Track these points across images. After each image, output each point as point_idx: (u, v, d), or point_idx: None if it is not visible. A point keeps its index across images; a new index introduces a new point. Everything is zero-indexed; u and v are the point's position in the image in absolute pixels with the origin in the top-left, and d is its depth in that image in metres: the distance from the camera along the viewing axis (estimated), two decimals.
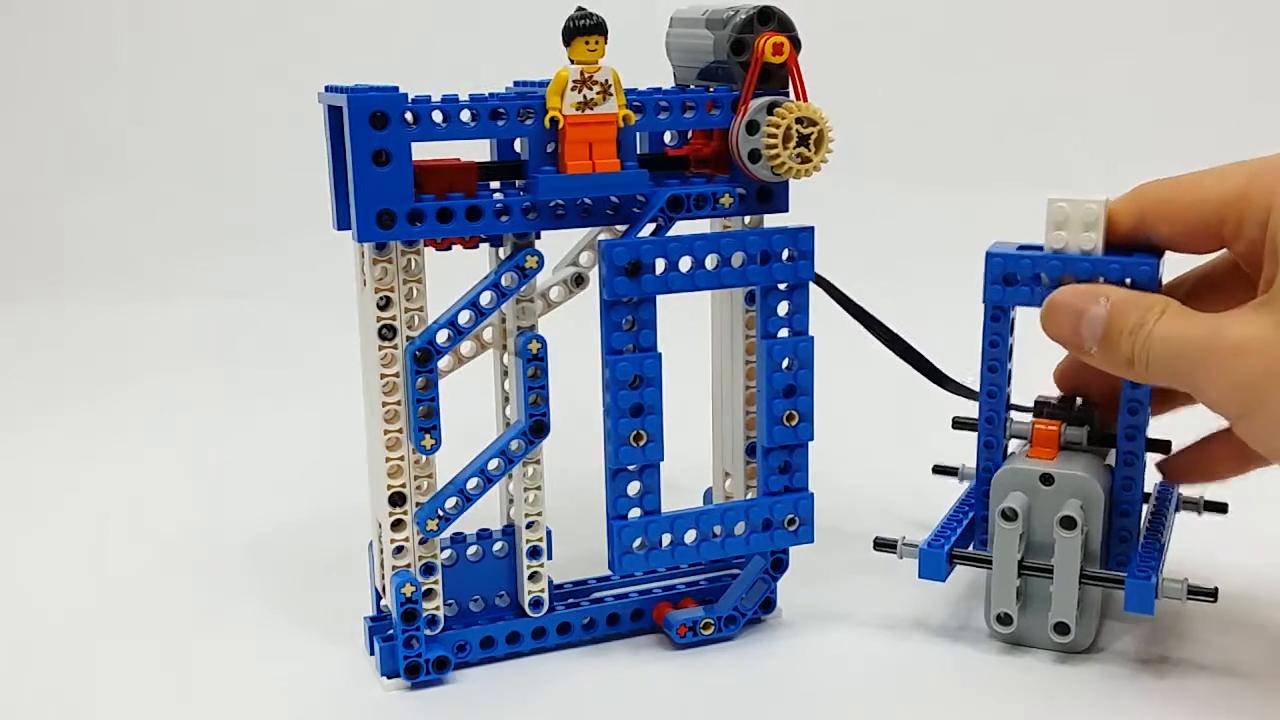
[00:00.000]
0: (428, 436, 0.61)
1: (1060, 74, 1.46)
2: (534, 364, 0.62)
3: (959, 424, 0.74)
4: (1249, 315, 0.56)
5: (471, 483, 0.62)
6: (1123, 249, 0.62)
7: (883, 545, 0.67)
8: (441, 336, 0.60)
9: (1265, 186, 0.58)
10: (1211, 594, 0.61)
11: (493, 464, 0.63)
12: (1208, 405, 0.58)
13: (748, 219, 0.65)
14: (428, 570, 0.63)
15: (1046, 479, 0.63)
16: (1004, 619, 0.64)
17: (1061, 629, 0.63)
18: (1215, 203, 0.60)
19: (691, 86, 0.64)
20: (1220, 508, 0.71)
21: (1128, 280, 0.60)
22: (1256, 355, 0.55)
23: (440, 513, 0.62)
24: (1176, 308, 0.58)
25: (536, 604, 0.65)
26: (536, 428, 0.63)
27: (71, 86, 1.54)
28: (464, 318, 0.61)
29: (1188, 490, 0.71)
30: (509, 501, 0.67)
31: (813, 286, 0.63)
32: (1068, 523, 0.61)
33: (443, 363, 0.64)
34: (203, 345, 1.28)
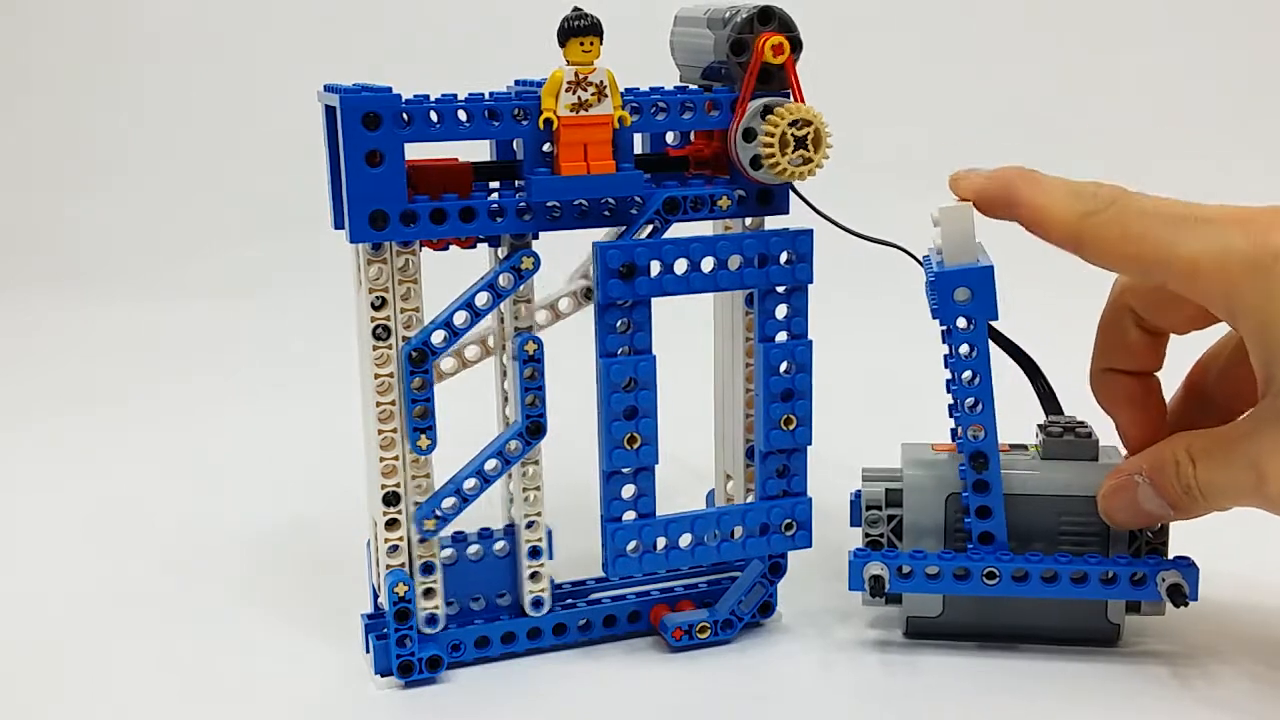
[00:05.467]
0: (423, 437, 0.61)
1: (1060, 74, 1.43)
2: (531, 365, 0.62)
3: None
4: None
5: (469, 483, 0.62)
6: None
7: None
8: (437, 337, 0.60)
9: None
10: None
11: (490, 464, 0.63)
12: None
13: (748, 221, 0.65)
14: (427, 569, 0.63)
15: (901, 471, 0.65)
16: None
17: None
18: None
19: (692, 87, 0.63)
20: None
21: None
22: None
23: (438, 512, 0.62)
24: (1197, 447, 0.58)
25: (537, 604, 0.65)
26: (534, 429, 0.63)
27: (71, 86, 1.55)
28: (460, 318, 0.61)
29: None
30: (509, 501, 0.67)
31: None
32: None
33: (446, 365, 0.65)
34: (203, 345, 1.28)
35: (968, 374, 0.61)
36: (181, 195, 1.50)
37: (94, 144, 1.54)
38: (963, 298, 0.60)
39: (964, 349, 0.61)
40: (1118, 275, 0.64)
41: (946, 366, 0.62)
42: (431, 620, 0.63)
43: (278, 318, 1.34)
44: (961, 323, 0.60)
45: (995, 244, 0.62)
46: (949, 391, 0.62)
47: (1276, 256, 0.54)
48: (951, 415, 0.63)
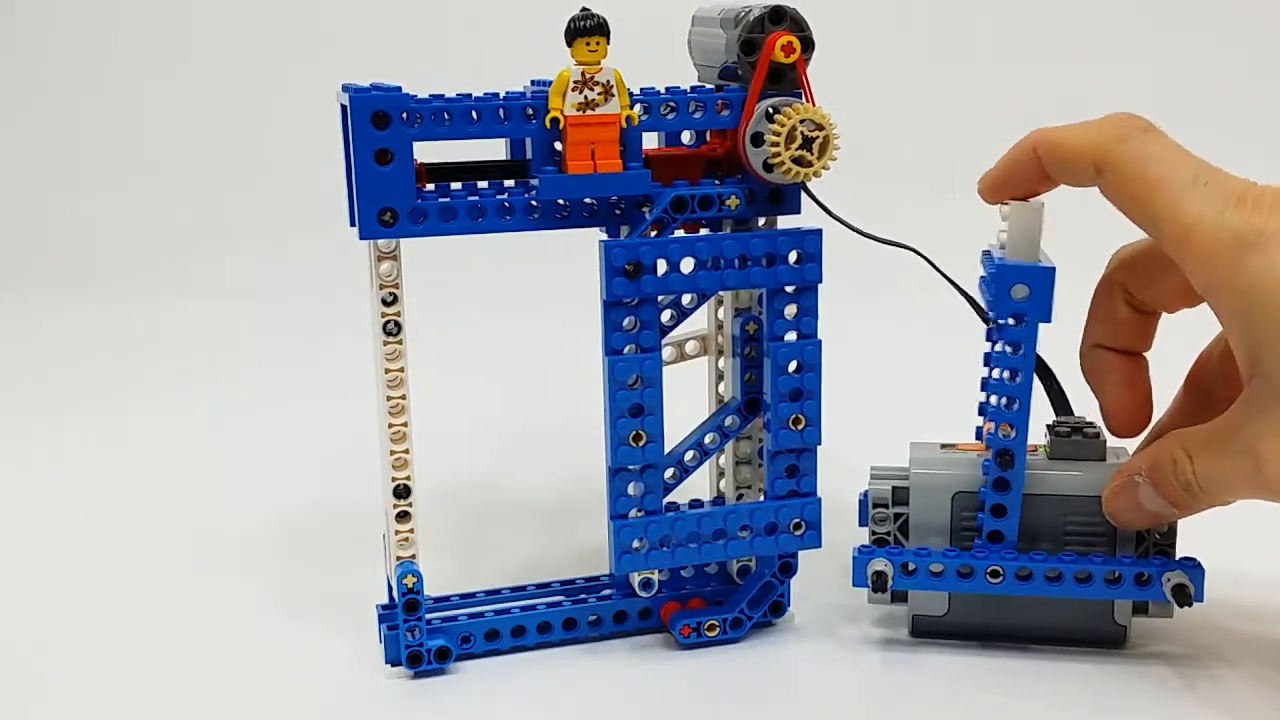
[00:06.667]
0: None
1: (1063, 74, 1.44)
2: (750, 344, 0.65)
3: None
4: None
5: (689, 455, 0.65)
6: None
7: None
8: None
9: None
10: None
11: (709, 438, 0.66)
12: None
13: (762, 220, 0.65)
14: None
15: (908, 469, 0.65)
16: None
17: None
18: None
19: (708, 87, 0.63)
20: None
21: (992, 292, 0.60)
22: None
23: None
24: (1192, 442, 0.58)
25: (744, 572, 0.68)
26: (751, 405, 0.66)
27: (71, 86, 1.55)
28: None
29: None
30: (719, 474, 0.71)
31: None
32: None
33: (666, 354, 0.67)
34: (203, 345, 1.28)
35: (1008, 372, 0.61)
36: (181, 195, 1.50)
37: (94, 144, 1.53)
38: (1020, 295, 0.59)
39: (1009, 347, 0.61)
40: (1112, 253, 0.64)
41: (987, 362, 0.62)
42: (647, 585, 0.65)
43: (278, 318, 1.34)
44: (1012, 320, 0.60)
45: None
46: (984, 388, 0.62)
47: (1262, 235, 0.54)
48: (983, 411, 0.63)
